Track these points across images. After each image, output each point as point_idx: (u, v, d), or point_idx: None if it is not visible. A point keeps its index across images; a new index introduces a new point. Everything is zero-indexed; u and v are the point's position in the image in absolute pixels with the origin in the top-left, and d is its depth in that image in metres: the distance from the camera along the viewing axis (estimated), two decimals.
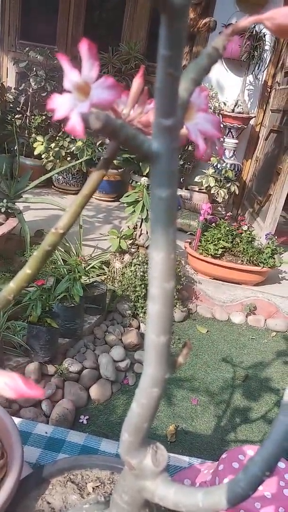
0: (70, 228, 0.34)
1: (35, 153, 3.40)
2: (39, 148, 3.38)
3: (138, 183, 2.37)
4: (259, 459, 0.23)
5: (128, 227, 2.33)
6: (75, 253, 2.28)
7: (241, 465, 0.63)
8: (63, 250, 2.31)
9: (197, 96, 0.28)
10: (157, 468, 0.28)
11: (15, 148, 2.79)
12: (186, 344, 0.29)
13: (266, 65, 3.27)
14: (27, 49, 3.51)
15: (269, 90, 3.43)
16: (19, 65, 3.52)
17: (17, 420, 0.83)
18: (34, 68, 3.41)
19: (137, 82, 0.32)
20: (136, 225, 2.34)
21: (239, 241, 2.42)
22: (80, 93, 0.27)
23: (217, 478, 0.61)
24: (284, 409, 0.23)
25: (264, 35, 3.14)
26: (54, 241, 0.33)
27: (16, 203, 2.28)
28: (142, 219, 2.23)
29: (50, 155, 3.40)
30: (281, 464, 0.61)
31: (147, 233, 2.37)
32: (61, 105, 0.27)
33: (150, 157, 0.24)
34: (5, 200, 2.15)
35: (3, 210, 2.15)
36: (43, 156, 3.42)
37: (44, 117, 3.59)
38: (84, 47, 0.26)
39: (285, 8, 0.22)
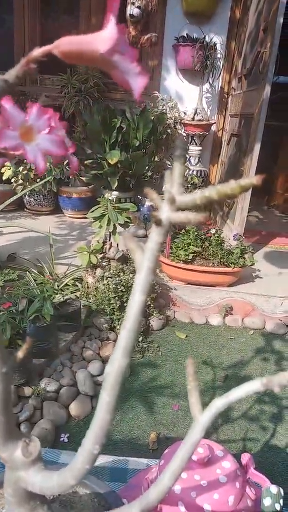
0: None
1: (4, 178, 3.42)
2: (7, 173, 3.41)
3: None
4: (90, 434, 0.25)
5: (97, 241, 2.36)
6: (48, 272, 2.29)
7: None
8: (36, 271, 2.32)
9: (36, 119, 0.31)
10: (27, 458, 0.30)
11: None
12: (26, 339, 0.31)
13: (220, 73, 3.37)
14: None
15: (226, 96, 3.53)
16: None
17: None
18: None
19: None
20: (106, 238, 2.37)
21: (208, 245, 2.47)
22: None
23: (158, 473, 0.63)
24: (104, 386, 0.26)
25: (215, 44, 3.25)
26: None
27: None
28: (110, 232, 2.26)
29: (19, 178, 3.42)
30: (220, 453, 0.63)
31: (117, 246, 2.40)
32: None
33: None
34: None
35: None
36: (12, 180, 3.44)
37: None
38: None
39: (67, 37, 0.25)
